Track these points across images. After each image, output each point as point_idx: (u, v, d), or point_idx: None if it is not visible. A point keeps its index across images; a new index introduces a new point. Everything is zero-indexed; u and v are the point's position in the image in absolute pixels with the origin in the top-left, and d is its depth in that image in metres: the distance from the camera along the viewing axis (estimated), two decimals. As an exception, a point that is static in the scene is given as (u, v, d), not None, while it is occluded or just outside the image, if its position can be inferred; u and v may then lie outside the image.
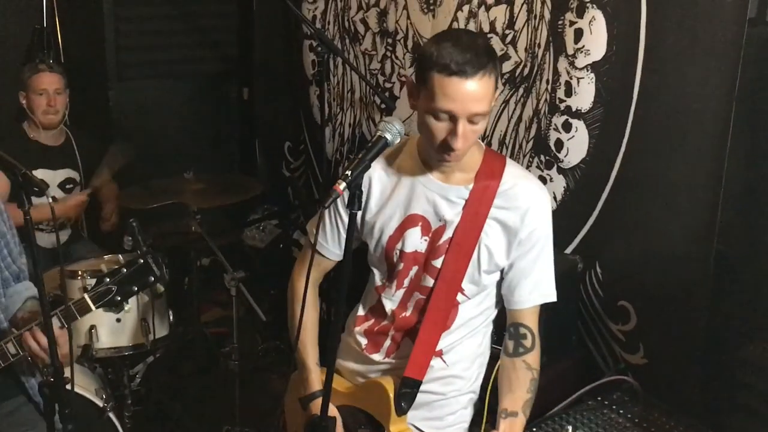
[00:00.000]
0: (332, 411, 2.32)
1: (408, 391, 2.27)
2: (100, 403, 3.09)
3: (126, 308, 2.63)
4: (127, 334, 3.44)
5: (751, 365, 2.65)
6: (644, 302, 2.96)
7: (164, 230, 3.96)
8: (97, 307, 2.46)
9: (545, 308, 2.71)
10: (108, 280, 2.46)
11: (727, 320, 2.72)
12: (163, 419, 3.81)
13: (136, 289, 2.50)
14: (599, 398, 2.59)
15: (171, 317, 3.66)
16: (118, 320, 3.41)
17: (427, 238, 2.26)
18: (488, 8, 3.38)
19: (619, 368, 2.94)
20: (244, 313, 3.90)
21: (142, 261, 2.50)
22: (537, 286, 2.28)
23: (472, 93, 2.00)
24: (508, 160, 2.28)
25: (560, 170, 3.17)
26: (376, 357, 2.39)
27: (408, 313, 2.33)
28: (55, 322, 2.37)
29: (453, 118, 2.03)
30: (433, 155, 2.17)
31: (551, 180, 3.20)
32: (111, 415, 3.11)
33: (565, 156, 3.15)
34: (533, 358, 2.28)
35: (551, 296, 2.32)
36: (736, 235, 2.69)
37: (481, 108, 2.02)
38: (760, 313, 2.63)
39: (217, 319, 4.54)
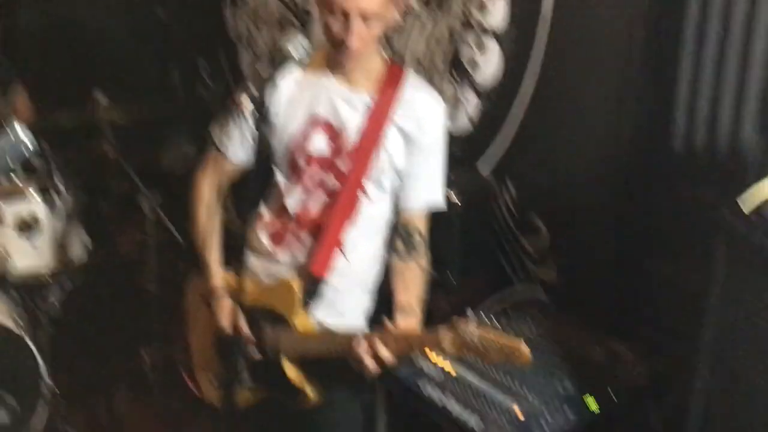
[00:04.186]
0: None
1: (313, 286, 2.35)
2: (15, 328, 3.07)
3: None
4: (43, 258, 3.40)
5: (658, 279, 2.73)
6: (556, 219, 3.02)
7: (77, 153, 3.86)
8: None
9: (458, 227, 2.77)
10: None
11: (635, 235, 2.80)
12: (80, 343, 3.79)
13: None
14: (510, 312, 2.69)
15: (88, 243, 3.62)
16: (33, 245, 3.36)
17: (330, 140, 2.33)
18: None
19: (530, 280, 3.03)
20: (165, 238, 3.86)
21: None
22: (426, 190, 2.39)
23: None
24: (409, 72, 2.39)
25: (476, 91, 3.18)
26: (279, 254, 2.43)
27: (311, 213, 2.38)
28: None
29: (346, 15, 2.12)
30: (333, 55, 2.25)
31: (467, 100, 3.21)
32: (26, 339, 3.09)
33: (480, 76, 3.15)
34: (424, 260, 2.40)
35: (440, 202, 2.43)
36: (643, 153, 2.76)
37: (371, 6, 2.12)
38: (665, 229, 2.71)
39: (137, 243, 4.49)
